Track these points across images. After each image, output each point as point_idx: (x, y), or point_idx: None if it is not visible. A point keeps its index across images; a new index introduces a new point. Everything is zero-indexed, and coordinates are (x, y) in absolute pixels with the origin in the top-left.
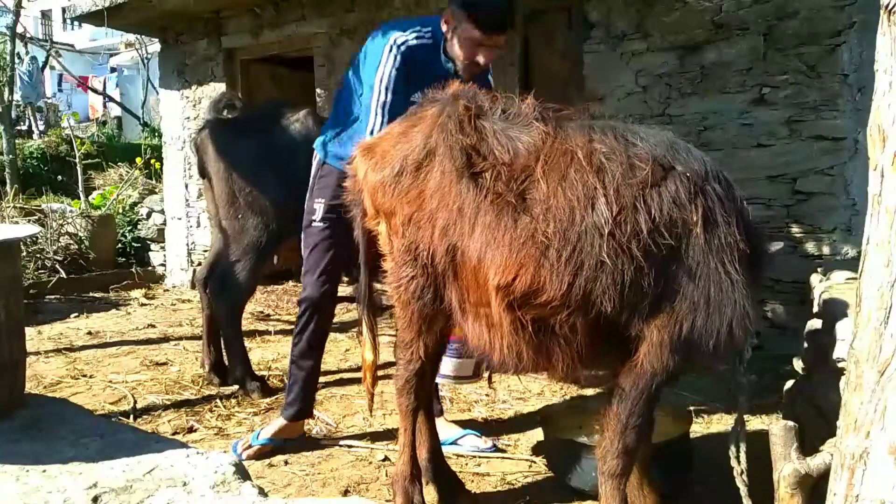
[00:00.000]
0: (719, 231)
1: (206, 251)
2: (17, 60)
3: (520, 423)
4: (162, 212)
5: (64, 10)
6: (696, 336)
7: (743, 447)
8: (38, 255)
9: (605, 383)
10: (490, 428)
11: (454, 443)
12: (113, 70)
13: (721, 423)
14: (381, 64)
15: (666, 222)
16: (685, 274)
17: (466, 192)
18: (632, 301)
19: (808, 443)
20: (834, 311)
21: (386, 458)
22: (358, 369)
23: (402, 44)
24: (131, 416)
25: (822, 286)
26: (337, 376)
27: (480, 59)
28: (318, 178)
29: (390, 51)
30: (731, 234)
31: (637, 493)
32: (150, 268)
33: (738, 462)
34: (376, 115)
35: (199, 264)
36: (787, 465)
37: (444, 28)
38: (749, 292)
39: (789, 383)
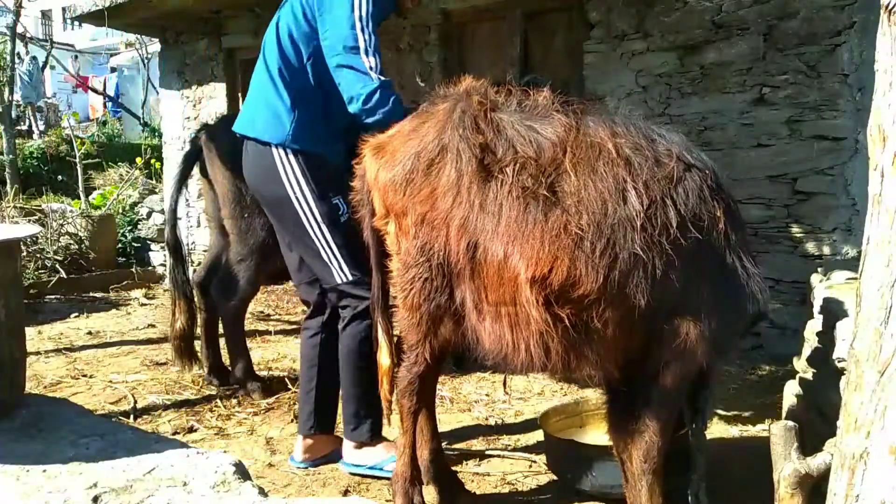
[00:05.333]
0: (737, 227)
1: (206, 251)
2: (17, 60)
3: (520, 423)
4: (162, 212)
5: (64, 10)
6: (725, 329)
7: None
8: (38, 255)
9: (622, 382)
10: (490, 428)
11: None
12: (113, 70)
13: (720, 423)
14: (356, 6)
15: (692, 217)
16: (711, 268)
17: (488, 187)
18: (662, 295)
19: (808, 443)
20: (834, 311)
21: None
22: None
23: None
24: (131, 416)
25: (822, 286)
26: None
27: None
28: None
29: None
30: (745, 232)
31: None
32: (150, 268)
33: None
34: (372, 56)
35: (200, 264)
36: (787, 465)
37: None
38: (765, 286)
39: (789, 383)
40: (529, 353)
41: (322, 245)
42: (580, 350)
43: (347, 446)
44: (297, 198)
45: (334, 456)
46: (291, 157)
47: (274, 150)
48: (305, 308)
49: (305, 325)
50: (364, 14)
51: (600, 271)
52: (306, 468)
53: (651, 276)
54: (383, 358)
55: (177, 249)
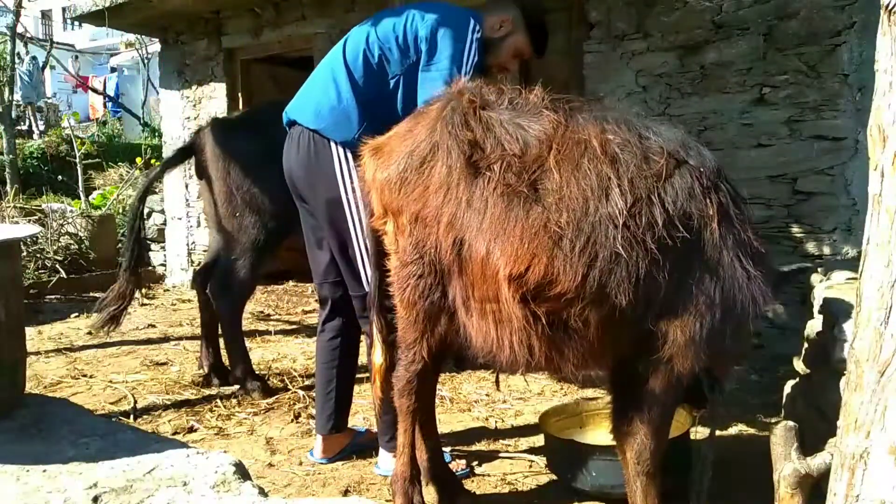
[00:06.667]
0: (734, 227)
1: (206, 251)
2: (17, 60)
3: (520, 423)
4: (162, 212)
5: (64, 10)
6: (718, 333)
7: (706, 481)
8: (38, 255)
9: (615, 383)
10: (490, 428)
11: None
12: (113, 70)
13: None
14: (466, 49)
15: (681, 216)
16: (701, 269)
17: (474, 184)
18: (647, 295)
19: (808, 443)
20: (834, 311)
21: None
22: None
23: (479, 35)
24: (131, 416)
25: (822, 286)
26: None
27: (511, 67)
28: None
29: (474, 39)
30: (745, 231)
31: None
32: (150, 268)
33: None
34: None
35: (199, 264)
36: (787, 465)
37: (494, 27)
38: (766, 289)
39: (789, 383)
40: (513, 349)
41: (360, 252)
42: (561, 348)
43: (386, 456)
44: (348, 200)
45: (350, 448)
46: (351, 158)
47: (334, 146)
48: (320, 307)
49: (322, 328)
50: (469, 61)
51: (579, 270)
52: (324, 463)
53: (634, 275)
54: (376, 357)
55: (134, 222)
